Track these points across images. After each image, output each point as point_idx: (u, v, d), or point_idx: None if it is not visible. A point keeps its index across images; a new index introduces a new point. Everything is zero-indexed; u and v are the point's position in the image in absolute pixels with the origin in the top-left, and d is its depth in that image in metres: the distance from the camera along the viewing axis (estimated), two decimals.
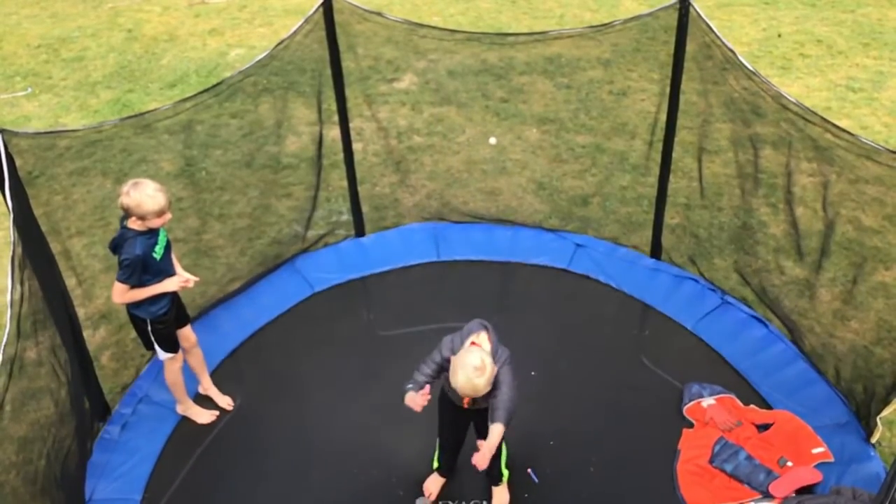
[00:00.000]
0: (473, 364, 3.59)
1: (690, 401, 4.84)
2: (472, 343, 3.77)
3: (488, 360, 3.64)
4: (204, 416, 4.84)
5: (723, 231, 5.98)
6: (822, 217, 5.17)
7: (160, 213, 4.08)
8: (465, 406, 3.91)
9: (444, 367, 3.89)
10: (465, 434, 4.28)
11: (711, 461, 4.52)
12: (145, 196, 4.02)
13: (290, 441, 4.72)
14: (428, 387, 3.85)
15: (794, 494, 4.27)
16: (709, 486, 4.43)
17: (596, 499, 4.41)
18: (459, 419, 4.16)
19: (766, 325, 5.33)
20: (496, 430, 3.73)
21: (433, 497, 4.44)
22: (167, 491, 4.46)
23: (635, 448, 4.66)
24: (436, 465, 4.44)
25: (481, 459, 3.70)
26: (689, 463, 4.54)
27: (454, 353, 3.80)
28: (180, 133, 6.82)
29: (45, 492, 3.99)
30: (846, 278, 5.43)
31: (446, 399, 4.06)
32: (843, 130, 4.39)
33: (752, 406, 4.83)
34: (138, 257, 4.10)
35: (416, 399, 3.77)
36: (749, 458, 4.49)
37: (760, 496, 4.33)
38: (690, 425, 4.75)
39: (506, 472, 4.37)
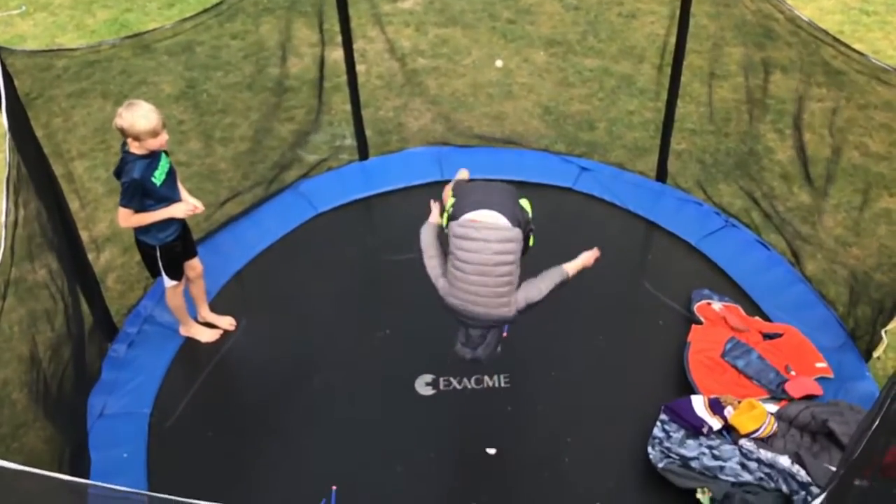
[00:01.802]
0: None
1: (701, 300, 4.95)
2: None
3: None
4: (207, 335, 4.92)
5: (729, 157, 5.92)
6: (830, 143, 5.13)
7: (154, 133, 4.06)
8: None
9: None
10: None
11: (723, 356, 4.63)
12: (138, 116, 4.01)
13: (295, 360, 4.81)
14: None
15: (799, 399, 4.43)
16: (720, 378, 4.54)
17: (603, 388, 4.57)
18: None
19: (768, 249, 5.35)
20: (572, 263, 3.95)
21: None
22: (177, 406, 4.58)
23: (644, 343, 4.82)
24: None
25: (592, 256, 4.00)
26: (701, 354, 4.66)
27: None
28: (180, 54, 6.70)
29: (53, 409, 4.09)
30: (850, 204, 5.41)
31: None
32: (855, 51, 4.31)
33: (756, 318, 4.91)
34: (135, 181, 4.10)
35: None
36: (761, 357, 4.60)
37: (768, 395, 4.45)
38: (699, 323, 4.85)
39: None
